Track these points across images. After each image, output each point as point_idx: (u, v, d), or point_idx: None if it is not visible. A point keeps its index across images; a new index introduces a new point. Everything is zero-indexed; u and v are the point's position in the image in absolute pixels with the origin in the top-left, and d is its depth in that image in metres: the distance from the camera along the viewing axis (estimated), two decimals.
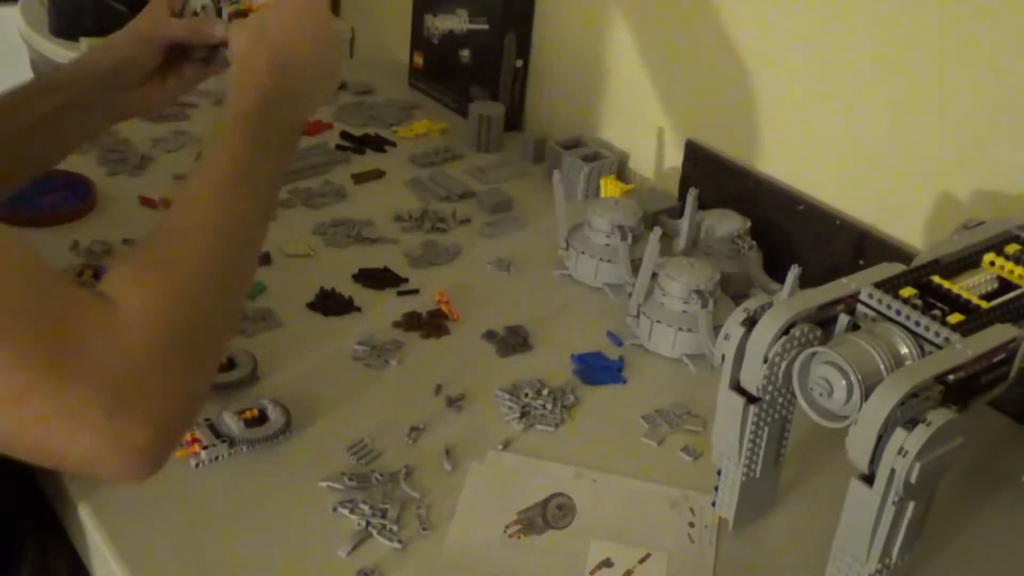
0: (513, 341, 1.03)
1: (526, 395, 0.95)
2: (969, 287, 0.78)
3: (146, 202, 1.21)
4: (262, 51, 0.78)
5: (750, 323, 0.74)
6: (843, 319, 0.76)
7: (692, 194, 1.12)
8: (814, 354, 0.71)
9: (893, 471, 0.65)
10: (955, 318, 0.73)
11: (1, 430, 0.56)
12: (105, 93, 0.93)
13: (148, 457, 0.59)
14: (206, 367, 0.66)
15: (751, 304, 0.76)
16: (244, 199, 0.70)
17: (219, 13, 0.99)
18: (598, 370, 1.00)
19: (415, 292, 1.10)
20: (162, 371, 0.60)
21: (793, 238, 1.15)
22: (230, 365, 0.91)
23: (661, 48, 1.31)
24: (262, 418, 0.87)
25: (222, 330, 0.70)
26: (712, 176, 1.24)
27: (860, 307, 0.76)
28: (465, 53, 1.54)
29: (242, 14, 0.99)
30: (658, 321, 1.02)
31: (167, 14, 0.94)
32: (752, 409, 0.76)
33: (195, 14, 0.96)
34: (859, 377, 0.68)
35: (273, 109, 0.75)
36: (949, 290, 0.77)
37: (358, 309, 1.06)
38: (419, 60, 1.63)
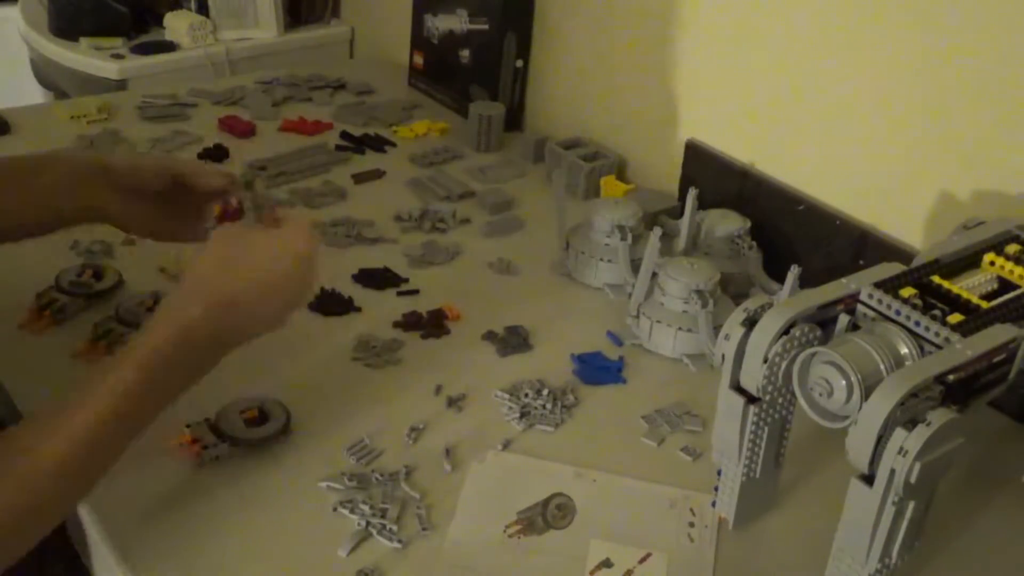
0: (513, 341, 1.03)
1: (526, 395, 0.95)
2: (969, 287, 0.78)
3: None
4: (206, 287, 0.72)
5: (750, 323, 0.74)
6: (843, 319, 0.76)
7: (692, 194, 1.12)
8: (814, 354, 0.71)
9: (893, 471, 0.65)
10: (955, 318, 0.73)
11: None
12: (113, 190, 0.91)
13: None
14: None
15: (751, 304, 0.76)
16: (115, 442, 0.67)
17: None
18: (598, 370, 1.00)
19: (415, 292, 1.10)
20: None
21: (793, 238, 1.15)
22: (262, 419, 0.86)
23: (661, 48, 1.31)
24: (262, 418, 0.87)
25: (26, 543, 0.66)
26: (712, 176, 1.24)
27: (860, 307, 0.76)
28: (465, 53, 1.54)
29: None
30: (658, 321, 1.02)
31: (150, 177, 0.91)
32: (752, 409, 0.76)
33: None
34: (859, 377, 0.68)
35: (190, 353, 0.70)
36: (949, 290, 0.77)
37: (358, 309, 1.06)
38: (419, 60, 1.63)
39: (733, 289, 1.09)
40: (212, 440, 0.84)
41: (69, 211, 0.91)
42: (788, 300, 0.75)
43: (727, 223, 1.14)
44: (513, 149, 1.45)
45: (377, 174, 1.35)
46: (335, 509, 0.80)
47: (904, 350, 0.72)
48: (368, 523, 0.79)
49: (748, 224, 1.14)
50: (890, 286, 0.76)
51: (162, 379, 0.70)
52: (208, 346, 0.73)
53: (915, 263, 0.81)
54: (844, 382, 0.69)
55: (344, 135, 1.45)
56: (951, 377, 0.68)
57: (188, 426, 0.85)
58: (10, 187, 0.88)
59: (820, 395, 0.71)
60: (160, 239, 0.96)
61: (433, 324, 1.04)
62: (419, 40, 1.62)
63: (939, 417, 0.64)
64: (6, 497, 0.62)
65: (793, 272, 0.92)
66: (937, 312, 0.73)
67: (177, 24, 1.75)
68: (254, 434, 0.85)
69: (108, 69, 1.68)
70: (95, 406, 0.66)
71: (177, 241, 0.96)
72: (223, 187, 0.89)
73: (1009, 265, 0.81)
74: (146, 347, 0.69)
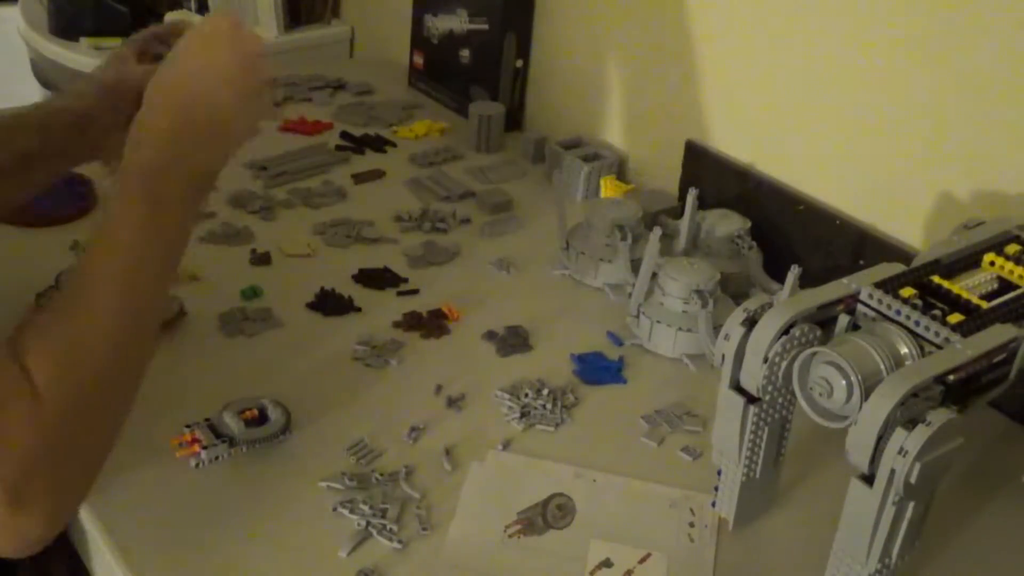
0: (513, 341, 1.03)
1: (526, 395, 0.95)
2: (969, 287, 0.78)
3: None
4: (163, 97, 0.70)
5: (750, 323, 0.74)
6: (843, 319, 0.76)
7: (692, 194, 1.12)
8: (814, 354, 0.71)
9: (893, 471, 0.65)
10: (955, 318, 0.73)
11: None
12: (71, 143, 0.87)
13: (38, 541, 0.59)
14: (96, 460, 0.65)
15: (751, 304, 0.76)
16: (147, 267, 0.66)
17: None
18: (598, 370, 1.00)
19: (415, 292, 1.10)
20: (37, 485, 0.59)
21: (793, 238, 1.15)
22: (262, 419, 0.86)
23: (661, 48, 1.31)
24: (262, 418, 0.87)
25: (119, 412, 0.68)
26: (712, 176, 1.24)
27: (860, 307, 0.76)
28: (465, 53, 1.54)
29: None
30: (658, 321, 1.02)
31: (132, 63, 0.87)
32: (752, 409, 0.76)
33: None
34: (859, 377, 0.68)
35: (173, 163, 0.68)
36: (949, 290, 0.77)
37: (358, 309, 1.06)
38: (419, 60, 1.63)
39: (733, 289, 1.09)
40: (212, 440, 0.84)
41: (39, 185, 0.88)
42: (788, 300, 0.75)
43: (727, 223, 1.14)
44: (513, 149, 1.45)
45: (377, 174, 1.35)
46: (335, 509, 0.80)
47: (904, 350, 0.72)
48: (368, 523, 0.79)
49: (748, 224, 1.14)
50: (890, 286, 0.76)
51: (166, 199, 0.67)
52: (187, 151, 0.69)
53: (915, 263, 0.81)
54: (844, 382, 0.69)
55: (344, 135, 1.45)
56: (951, 377, 0.68)
57: (188, 426, 0.85)
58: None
59: (820, 395, 0.71)
60: None
61: (433, 324, 1.04)
62: (419, 40, 1.62)
63: (939, 417, 0.64)
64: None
65: (793, 272, 0.92)
66: (937, 312, 0.73)
67: None
68: (254, 434, 0.85)
69: None
70: (120, 246, 0.65)
71: None
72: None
73: (1009, 265, 0.81)
74: (137, 172, 0.67)
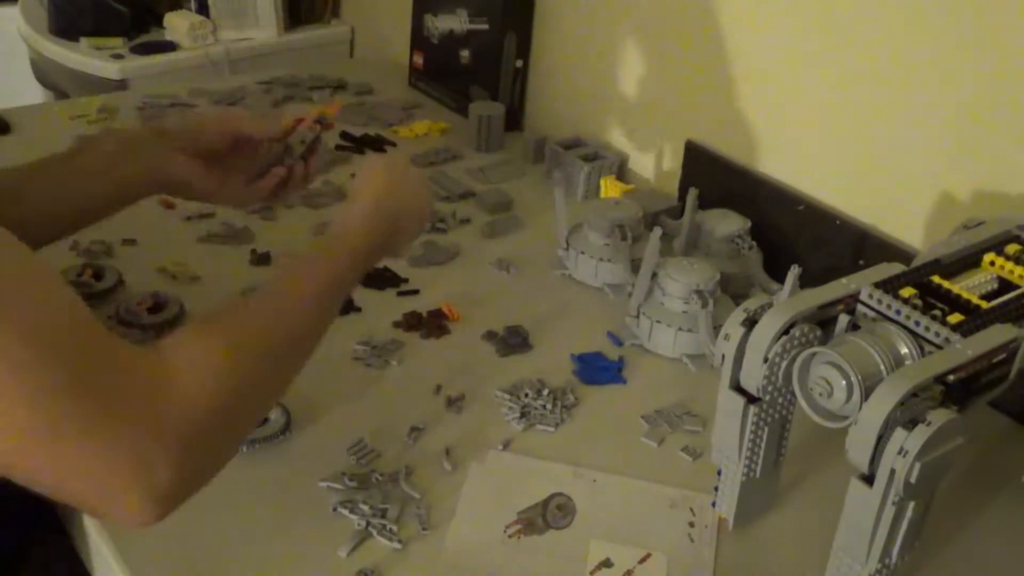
0: (513, 341, 1.03)
1: (526, 395, 0.95)
2: (969, 287, 0.78)
3: (166, 203, 1.20)
4: (374, 206, 0.85)
5: (750, 323, 0.74)
6: (843, 319, 0.76)
7: (692, 194, 1.12)
8: (814, 354, 0.71)
9: (893, 471, 0.65)
10: (955, 318, 0.72)
11: (30, 463, 0.56)
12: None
13: (163, 512, 0.60)
14: (238, 440, 0.70)
15: (751, 304, 0.76)
16: (320, 317, 0.77)
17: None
18: (598, 370, 1.00)
19: (415, 292, 1.10)
20: (198, 440, 0.61)
21: (793, 238, 1.15)
22: (158, 308, 0.94)
23: (661, 48, 1.31)
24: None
25: (262, 410, 0.76)
26: (712, 176, 1.24)
27: (860, 307, 0.76)
28: (465, 53, 1.54)
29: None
30: (658, 321, 1.02)
31: (185, 159, 0.94)
32: (752, 409, 0.76)
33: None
34: (859, 377, 0.68)
35: (370, 256, 0.83)
36: (949, 290, 0.77)
37: (358, 309, 1.06)
38: (419, 60, 1.63)
39: (733, 289, 1.09)
40: None
41: (124, 183, 0.92)
42: (788, 300, 0.75)
43: (727, 223, 1.14)
44: (513, 149, 1.45)
45: None
46: (335, 509, 0.80)
47: (904, 350, 0.72)
48: (368, 523, 0.79)
49: (748, 224, 1.14)
50: (890, 286, 0.76)
51: (354, 269, 0.81)
52: (381, 248, 0.85)
53: (915, 263, 0.81)
54: (844, 382, 0.69)
55: (344, 135, 1.45)
56: (951, 377, 0.68)
57: None
58: (40, 182, 0.89)
59: (820, 395, 0.71)
60: (221, 201, 1.00)
61: (433, 324, 1.04)
62: (419, 40, 1.62)
63: (939, 417, 0.64)
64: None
65: (793, 272, 0.92)
66: (937, 312, 0.73)
67: (177, 24, 1.75)
68: (254, 434, 0.85)
69: (108, 69, 1.68)
70: (322, 279, 0.77)
71: (235, 204, 1.03)
72: (281, 136, 0.99)
73: (1009, 265, 0.81)
74: (348, 244, 0.81)
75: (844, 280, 0.77)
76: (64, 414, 0.55)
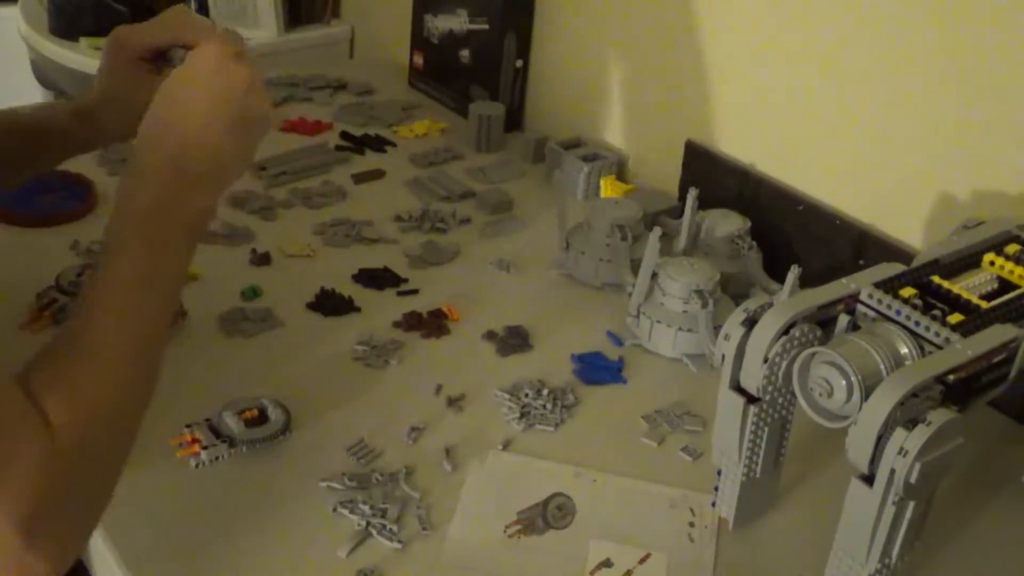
0: (513, 341, 1.03)
1: (526, 395, 0.95)
2: (969, 287, 0.78)
3: None
4: (155, 139, 0.69)
5: (750, 323, 0.74)
6: (843, 319, 0.76)
7: (692, 194, 1.12)
8: (814, 354, 0.71)
9: (893, 471, 0.65)
10: (955, 318, 0.73)
11: None
12: (69, 137, 0.92)
13: (50, 570, 0.60)
14: (110, 484, 0.66)
15: (751, 304, 0.76)
16: (148, 305, 0.67)
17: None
18: (598, 370, 1.00)
19: (415, 292, 1.10)
20: (73, 495, 0.61)
21: (793, 238, 1.15)
22: (262, 419, 0.86)
23: (661, 48, 1.31)
24: (262, 418, 0.87)
25: (126, 450, 0.68)
26: (712, 176, 1.24)
27: (860, 307, 0.76)
28: (465, 53, 1.54)
29: None
30: (658, 321, 1.02)
31: (139, 72, 0.88)
32: (752, 409, 0.76)
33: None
34: (859, 377, 0.68)
35: (169, 206, 0.68)
36: (949, 290, 0.77)
37: (358, 309, 1.06)
38: (419, 60, 1.63)
39: (733, 289, 1.09)
40: (212, 440, 0.84)
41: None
42: (788, 300, 0.75)
43: (727, 223, 1.14)
44: (513, 149, 1.45)
45: (377, 174, 1.35)
46: (335, 509, 0.80)
47: (904, 350, 0.72)
48: (368, 523, 0.79)
49: (748, 224, 1.14)
50: (890, 286, 0.76)
51: (164, 236, 0.68)
52: (187, 189, 0.69)
53: (915, 263, 0.81)
54: (844, 382, 0.69)
55: (344, 135, 1.45)
56: (951, 377, 0.68)
57: (188, 426, 0.85)
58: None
59: (820, 395, 0.71)
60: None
61: (433, 324, 1.04)
62: (419, 40, 1.62)
63: (939, 417, 0.64)
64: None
65: (793, 272, 0.92)
66: (937, 312, 0.73)
67: None
68: (254, 434, 0.85)
69: None
70: (121, 285, 0.66)
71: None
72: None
73: (1009, 265, 0.81)
74: (133, 215, 0.67)
75: (844, 280, 0.77)
76: None
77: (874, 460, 0.66)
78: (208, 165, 0.70)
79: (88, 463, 0.62)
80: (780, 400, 0.77)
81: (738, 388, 0.76)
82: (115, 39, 0.89)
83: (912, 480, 0.64)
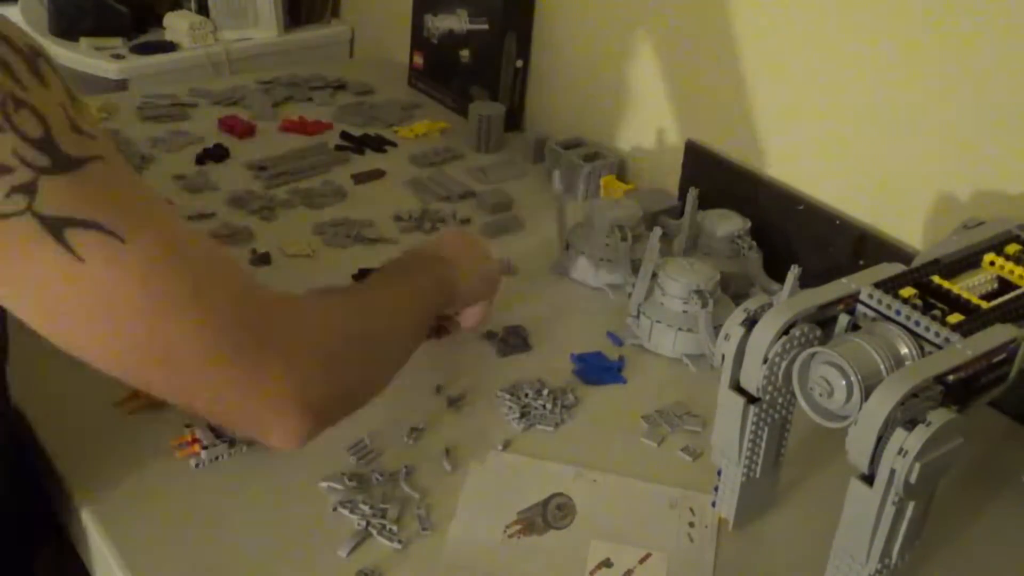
0: (513, 341, 1.03)
1: (526, 395, 0.95)
2: (969, 287, 0.78)
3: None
4: (458, 255, 0.92)
5: (750, 323, 0.74)
6: (843, 319, 0.76)
7: (692, 194, 1.12)
8: (814, 354, 0.71)
9: (893, 471, 0.65)
10: (955, 318, 0.72)
11: (188, 385, 0.62)
12: None
13: (317, 429, 0.67)
14: (375, 380, 0.77)
15: (751, 304, 0.76)
16: (413, 326, 0.85)
17: None
18: (598, 370, 1.00)
19: None
20: (337, 364, 0.69)
21: (793, 238, 1.15)
22: None
23: (661, 48, 1.31)
24: None
25: (387, 371, 0.81)
26: (712, 176, 1.24)
27: (860, 307, 0.76)
28: (465, 53, 1.54)
29: None
30: (658, 321, 1.02)
31: None
32: (752, 409, 0.76)
33: None
34: (859, 377, 0.68)
35: (450, 289, 0.90)
36: (949, 290, 0.77)
37: None
38: (419, 60, 1.63)
39: (733, 289, 1.09)
40: (212, 440, 0.84)
41: None
42: (788, 300, 0.75)
43: (727, 223, 1.14)
44: (513, 149, 1.45)
45: (377, 174, 1.35)
46: (335, 509, 0.80)
47: (904, 350, 0.72)
48: (368, 523, 0.79)
49: (748, 224, 1.14)
50: (890, 286, 0.75)
51: (429, 300, 0.87)
52: (448, 295, 0.90)
53: (915, 263, 0.81)
54: (844, 382, 0.69)
55: (344, 135, 1.45)
56: (951, 377, 0.68)
57: (188, 426, 0.85)
58: None
59: (820, 395, 0.71)
60: None
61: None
62: (419, 40, 1.62)
63: (939, 417, 0.64)
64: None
65: (793, 272, 0.92)
66: (937, 312, 0.73)
67: (177, 24, 1.75)
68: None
69: (108, 69, 1.68)
70: (407, 296, 0.84)
71: None
72: None
73: (1009, 265, 0.81)
74: (429, 279, 0.87)
75: (844, 280, 0.77)
76: (226, 345, 0.61)
77: (874, 460, 0.66)
78: (480, 285, 0.95)
79: (351, 348, 0.72)
80: (780, 400, 0.77)
81: (738, 388, 0.76)
82: None
83: (912, 480, 0.64)
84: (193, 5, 1.80)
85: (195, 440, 0.84)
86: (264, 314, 0.65)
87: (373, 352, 0.76)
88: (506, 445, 0.89)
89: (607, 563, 0.78)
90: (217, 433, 0.85)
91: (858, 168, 1.11)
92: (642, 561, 0.79)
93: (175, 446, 0.84)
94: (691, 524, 0.83)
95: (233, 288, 0.63)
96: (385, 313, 0.80)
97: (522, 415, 0.92)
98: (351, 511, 0.80)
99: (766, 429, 0.78)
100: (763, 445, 0.79)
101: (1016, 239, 0.85)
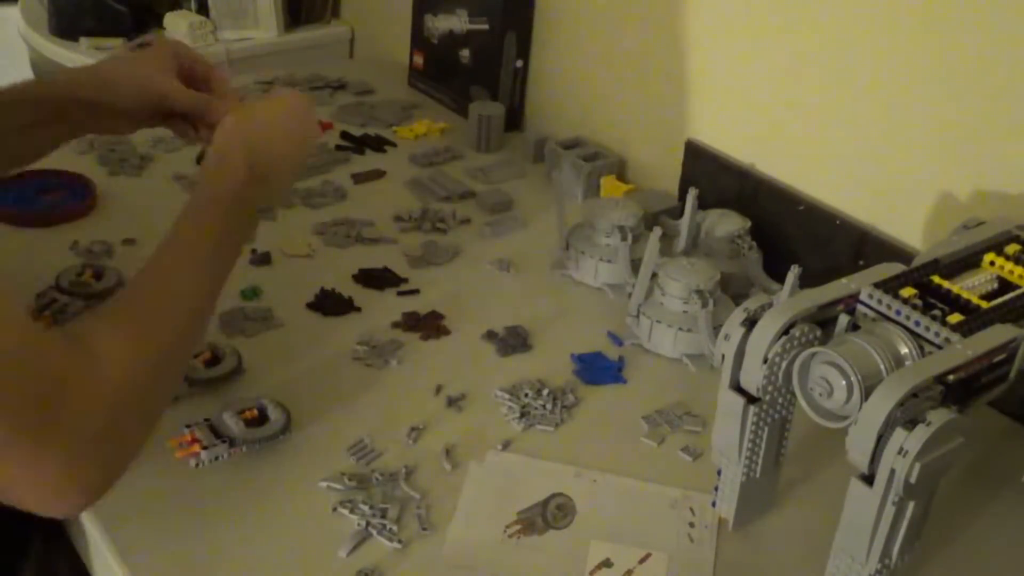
0: (513, 341, 1.03)
1: (526, 395, 0.95)
2: (969, 287, 0.78)
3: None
4: (241, 142, 0.83)
5: (750, 323, 0.74)
6: (843, 319, 0.76)
7: (692, 194, 1.12)
8: (814, 354, 0.71)
9: (893, 471, 0.65)
10: (955, 318, 0.73)
11: None
12: (88, 119, 0.93)
13: (94, 501, 0.65)
14: (153, 419, 0.71)
15: (751, 304, 0.76)
16: (211, 274, 0.78)
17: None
18: (598, 370, 1.00)
19: (415, 292, 1.10)
20: (116, 431, 0.65)
21: (793, 238, 1.15)
22: (262, 419, 0.87)
23: (661, 48, 1.31)
24: (262, 418, 0.87)
25: (174, 388, 0.79)
26: (712, 176, 1.24)
27: (860, 307, 0.76)
28: (465, 53, 1.54)
29: None
30: (658, 321, 1.02)
31: (174, 76, 0.93)
32: (752, 409, 0.76)
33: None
34: (859, 377, 0.68)
35: (243, 196, 0.81)
36: (949, 290, 0.77)
37: (358, 309, 1.06)
38: (419, 60, 1.63)
39: (733, 289, 1.09)
40: (212, 440, 0.84)
41: (44, 145, 0.95)
42: (788, 300, 0.75)
43: (727, 223, 1.14)
44: (513, 149, 1.45)
45: (377, 174, 1.35)
46: (335, 509, 0.80)
47: (904, 350, 0.72)
48: (368, 523, 0.79)
49: (748, 224, 1.14)
50: (890, 286, 0.76)
51: (232, 222, 0.80)
52: (251, 187, 0.82)
53: (915, 263, 0.81)
54: (844, 382, 0.69)
55: (344, 135, 1.45)
56: (951, 377, 0.68)
57: (188, 426, 0.85)
58: None
59: (820, 395, 0.71)
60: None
61: (432, 324, 1.04)
62: (419, 40, 1.62)
63: (939, 417, 0.64)
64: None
65: (793, 272, 0.92)
66: (937, 312, 0.73)
67: (177, 24, 1.75)
68: (254, 434, 0.85)
69: None
70: (197, 250, 0.77)
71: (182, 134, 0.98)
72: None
73: (1009, 265, 0.81)
74: (216, 200, 0.80)
75: (844, 280, 0.77)
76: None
77: (874, 460, 0.66)
78: (281, 177, 0.87)
79: (137, 398, 0.67)
80: (780, 400, 0.77)
81: (738, 388, 0.76)
82: (161, 83, 0.93)
83: (912, 480, 0.64)
84: (193, 5, 1.79)
85: (195, 440, 0.84)
86: (43, 395, 0.61)
87: (168, 367, 0.73)
88: (506, 445, 0.89)
89: (607, 563, 0.78)
90: (217, 433, 0.85)
91: (858, 168, 1.11)
92: (642, 561, 0.79)
93: (174, 446, 0.83)
94: (691, 524, 0.83)
95: (8, 367, 0.60)
96: (183, 297, 0.75)
97: (522, 415, 0.92)
98: (351, 511, 0.80)
99: (766, 429, 0.78)
100: (763, 445, 0.79)
101: (1016, 239, 0.85)
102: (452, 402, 0.94)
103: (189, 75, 0.94)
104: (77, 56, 1.71)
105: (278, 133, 0.86)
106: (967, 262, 0.82)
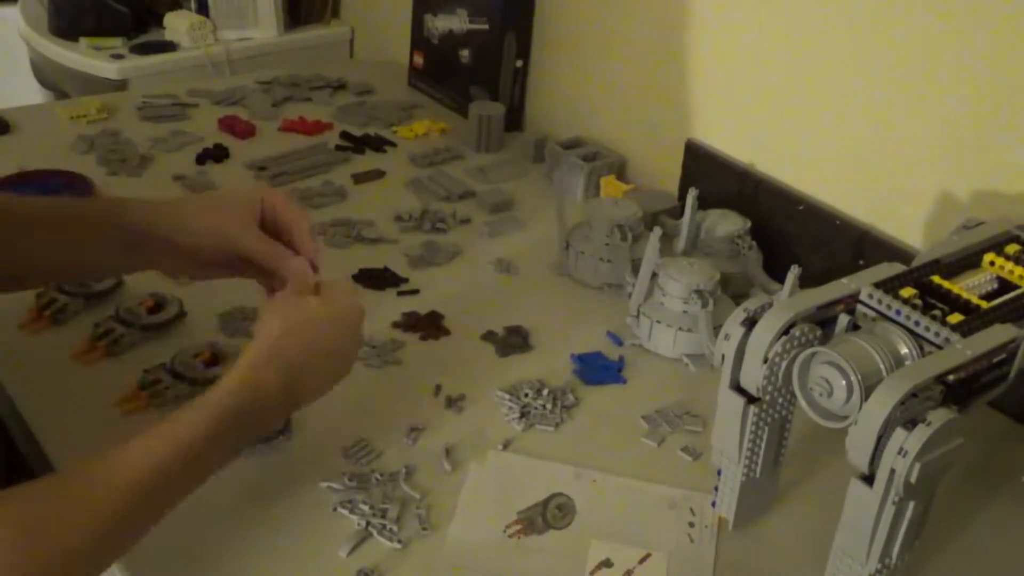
0: (513, 341, 1.03)
1: (526, 395, 0.95)
2: (969, 287, 0.78)
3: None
4: (281, 363, 0.74)
5: (750, 323, 0.74)
6: (843, 319, 0.76)
7: (692, 194, 1.12)
8: (814, 354, 0.71)
9: (893, 471, 0.65)
10: (955, 318, 0.72)
11: None
12: (166, 259, 0.85)
13: None
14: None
15: (751, 304, 0.76)
16: (151, 499, 0.67)
17: None
18: (598, 370, 1.00)
19: (415, 292, 1.10)
20: None
21: (793, 238, 1.15)
22: (158, 308, 0.97)
23: (661, 48, 1.31)
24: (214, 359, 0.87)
25: None
26: (712, 176, 1.24)
27: (860, 307, 0.76)
28: (465, 53, 1.54)
29: None
30: (658, 321, 1.02)
31: (255, 226, 0.83)
32: (752, 409, 0.76)
33: None
34: (859, 377, 0.68)
35: (265, 418, 0.75)
36: (949, 290, 0.77)
37: None
38: (419, 60, 1.63)
39: (733, 289, 1.09)
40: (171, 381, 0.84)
41: (108, 269, 0.94)
42: (788, 300, 0.75)
43: (727, 223, 1.14)
44: (513, 149, 1.45)
45: (377, 174, 1.35)
46: (335, 509, 0.80)
47: (904, 350, 0.72)
48: (368, 523, 0.79)
49: (748, 224, 1.14)
50: (890, 286, 0.76)
51: (229, 436, 0.71)
52: (276, 407, 0.76)
53: (915, 263, 0.81)
54: (844, 382, 0.69)
55: (344, 135, 1.45)
56: (951, 377, 0.68)
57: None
58: (47, 237, 0.81)
59: (820, 395, 0.71)
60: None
61: (432, 325, 1.04)
62: (419, 40, 1.62)
63: (939, 417, 0.64)
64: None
65: (793, 272, 0.92)
66: (937, 312, 0.73)
67: (177, 24, 1.75)
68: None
69: (108, 69, 1.68)
70: (161, 452, 0.67)
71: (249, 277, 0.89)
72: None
73: (1009, 265, 0.81)
74: (220, 404, 0.71)
75: (844, 280, 0.77)
76: None
77: (874, 460, 0.66)
78: (310, 393, 0.78)
79: None
80: (780, 400, 0.77)
81: (738, 388, 0.76)
82: (239, 226, 0.83)
83: (912, 480, 0.64)
84: (193, 5, 1.79)
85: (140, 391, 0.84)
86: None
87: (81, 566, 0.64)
88: (506, 445, 0.89)
89: (607, 563, 0.78)
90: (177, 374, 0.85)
91: (858, 168, 1.11)
92: (642, 561, 0.79)
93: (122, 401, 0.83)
94: (691, 524, 0.83)
95: None
96: (109, 507, 0.64)
97: (522, 415, 0.92)
98: (351, 511, 0.80)
99: (766, 429, 0.78)
100: (763, 445, 0.79)
101: (1016, 239, 0.85)
102: (452, 402, 0.94)
103: (271, 223, 0.84)
104: (77, 56, 1.71)
105: (322, 352, 0.77)
106: (967, 262, 0.82)
